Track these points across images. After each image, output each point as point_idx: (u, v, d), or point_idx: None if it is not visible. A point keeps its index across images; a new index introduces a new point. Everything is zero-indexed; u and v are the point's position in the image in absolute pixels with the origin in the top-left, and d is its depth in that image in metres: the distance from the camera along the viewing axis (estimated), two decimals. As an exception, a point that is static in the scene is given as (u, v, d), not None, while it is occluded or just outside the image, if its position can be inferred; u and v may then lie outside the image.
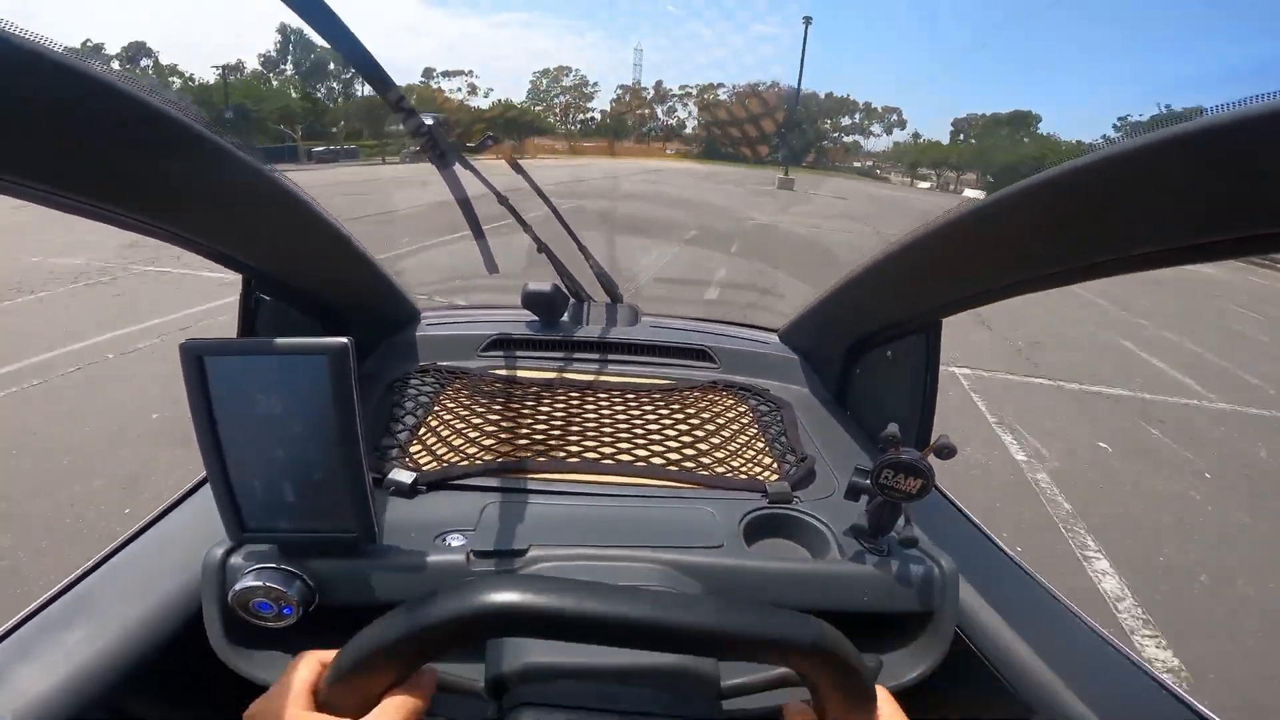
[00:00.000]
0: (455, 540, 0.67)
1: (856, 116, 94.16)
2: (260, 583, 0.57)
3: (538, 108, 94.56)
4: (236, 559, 0.60)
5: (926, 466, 0.63)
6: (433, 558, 0.63)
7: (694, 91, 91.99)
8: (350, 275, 1.03)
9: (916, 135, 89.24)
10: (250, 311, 0.93)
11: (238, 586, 0.57)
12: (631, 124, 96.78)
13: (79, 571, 0.66)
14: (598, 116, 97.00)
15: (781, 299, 6.21)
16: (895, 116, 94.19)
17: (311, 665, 0.43)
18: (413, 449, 0.85)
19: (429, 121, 0.95)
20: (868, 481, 0.66)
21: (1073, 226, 0.58)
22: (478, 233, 1.21)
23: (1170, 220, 0.50)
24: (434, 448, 0.85)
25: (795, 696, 0.50)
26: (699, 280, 7.23)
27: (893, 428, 0.64)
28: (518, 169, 1.26)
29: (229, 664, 0.60)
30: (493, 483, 0.79)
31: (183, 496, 0.78)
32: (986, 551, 0.83)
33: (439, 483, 0.78)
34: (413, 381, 1.04)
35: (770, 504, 0.79)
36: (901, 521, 0.67)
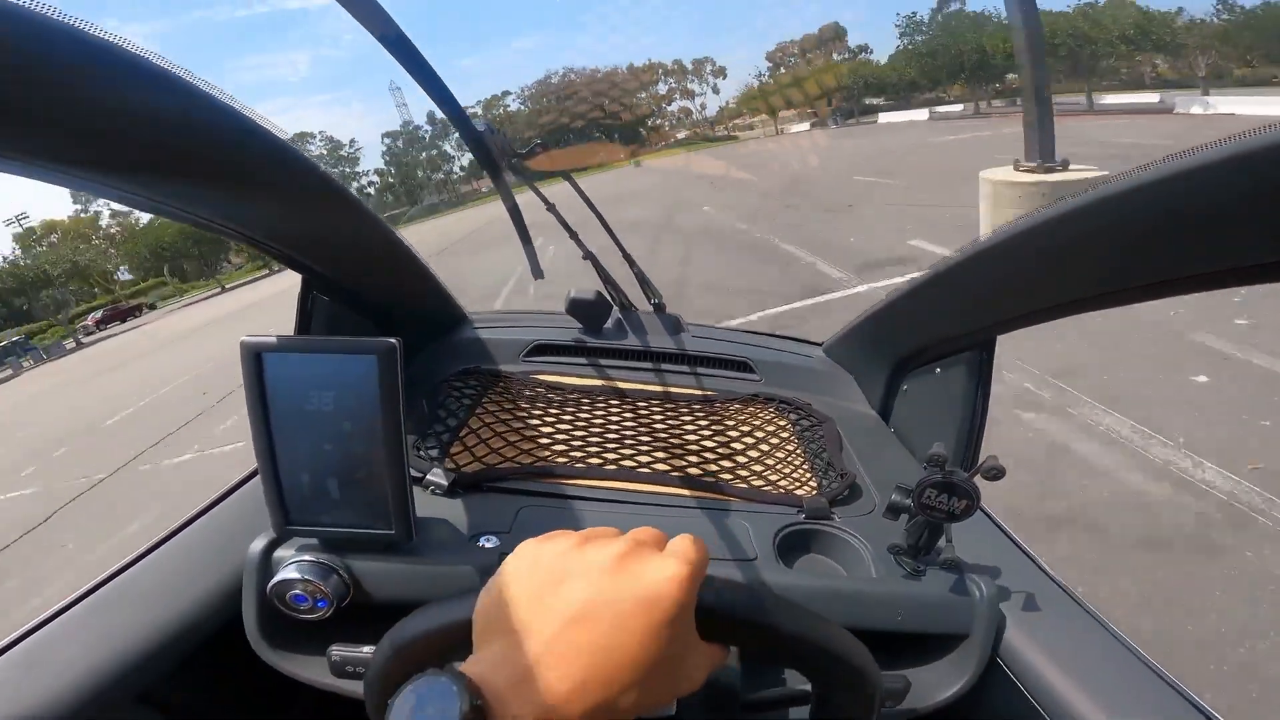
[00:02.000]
0: (489, 542, 0.67)
1: (670, 81, 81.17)
2: (299, 575, 0.58)
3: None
4: (280, 551, 0.62)
5: (973, 487, 0.60)
6: (467, 558, 0.64)
7: (479, 110, 72.36)
8: (403, 279, 1.06)
9: (760, 78, 75.29)
10: (307, 311, 0.97)
11: (277, 578, 0.59)
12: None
13: (127, 559, 0.69)
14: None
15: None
16: (711, 67, 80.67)
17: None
18: (453, 450, 0.87)
19: (481, 129, 0.98)
20: (909, 501, 0.64)
21: (1145, 242, 0.55)
22: (526, 239, 1.23)
23: (1248, 237, 0.47)
24: (474, 449, 0.87)
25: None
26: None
27: (939, 447, 0.62)
28: (567, 178, 1.28)
29: (261, 655, 0.62)
30: (529, 486, 0.80)
31: (229, 490, 0.82)
32: (1032, 576, 0.79)
33: (477, 484, 0.79)
34: (456, 384, 1.06)
35: (806, 519, 0.77)
36: (943, 542, 0.65)
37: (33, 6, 0.36)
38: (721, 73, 79.38)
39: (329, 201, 0.74)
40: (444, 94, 0.81)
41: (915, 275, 0.95)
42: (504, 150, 1.03)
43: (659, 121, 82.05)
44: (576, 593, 0.33)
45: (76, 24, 0.39)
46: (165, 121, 0.48)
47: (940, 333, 0.98)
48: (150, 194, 0.55)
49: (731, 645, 0.42)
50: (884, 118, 48.08)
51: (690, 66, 79.76)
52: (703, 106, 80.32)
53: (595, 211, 1.29)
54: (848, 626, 0.43)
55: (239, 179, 0.60)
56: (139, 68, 0.44)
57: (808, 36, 71.02)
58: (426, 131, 70.55)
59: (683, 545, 0.36)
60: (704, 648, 0.37)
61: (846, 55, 67.44)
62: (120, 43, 0.42)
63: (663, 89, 79.56)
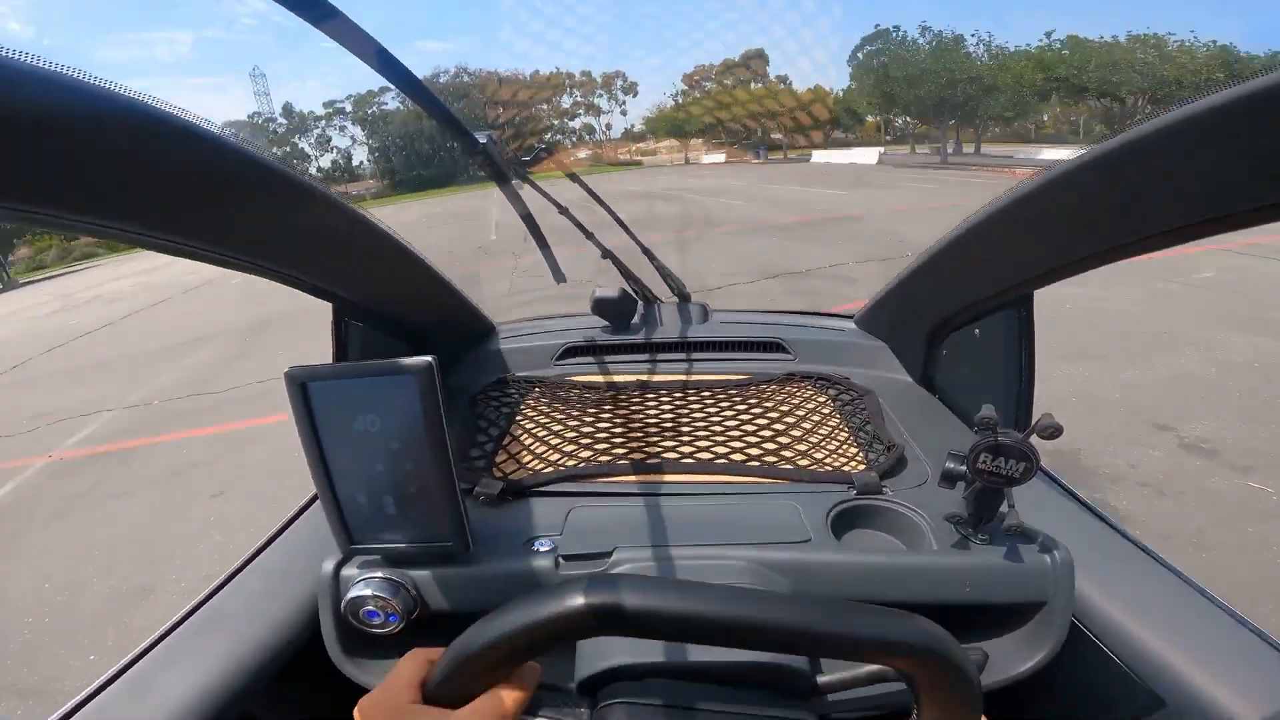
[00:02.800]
0: (543, 545, 0.68)
1: (575, 94, 70.13)
2: (369, 592, 0.61)
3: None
4: (347, 570, 0.64)
5: (1029, 448, 0.58)
6: (523, 563, 0.65)
7: (347, 108, 61.73)
8: (428, 297, 1.08)
9: (678, 100, 63.28)
10: (342, 338, 0.99)
11: (349, 596, 0.61)
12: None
13: (211, 586, 0.73)
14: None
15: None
16: (621, 82, 69.64)
17: (418, 661, 0.45)
18: (498, 459, 0.88)
19: (483, 140, 0.99)
20: (964, 467, 0.62)
21: (1174, 184, 0.53)
22: (543, 244, 1.24)
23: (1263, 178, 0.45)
24: (518, 456, 0.88)
25: (894, 690, 0.48)
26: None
27: (988, 409, 0.60)
28: (575, 179, 1.28)
29: (342, 669, 0.64)
30: (576, 487, 0.81)
31: (296, 514, 0.85)
32: (1102, 534, 0.77)
33: (525, 490, 0.80)
34: (493, 394, 1.08)
35: (859, 495, 0.76)
36: (1004, 508, 0.63)
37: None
38: (633, 89, 70.08)
39: (348, 228, 0.75)
40: (443, 110, 0.82)
41: (941, 238, 0.92)
42: (509, 160, 1.04)
43: (557, 138, 71.41)
44: None
45: (139, 97, 0.41)
46: (175, 166, 0.50)
47: (974, 294, 0.95)
48: (170, 237, 0.56)
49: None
50: (819, 155, 39.24)
51: (600, 80, 70.47)
52: (608, 126, 71.46)
53: (607, 209, 1.29)
54: (914, 602, 0.43)
55: (253, 216, 0.62)
56: (163, 121, 0.45)
57: (727, 60, 62.65)
58: (281, 125, 60.51)
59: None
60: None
61: (763, 83, 59.68)
62: (141, 98, 0.43)
63: (567, 102, 69.77)
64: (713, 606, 0.39)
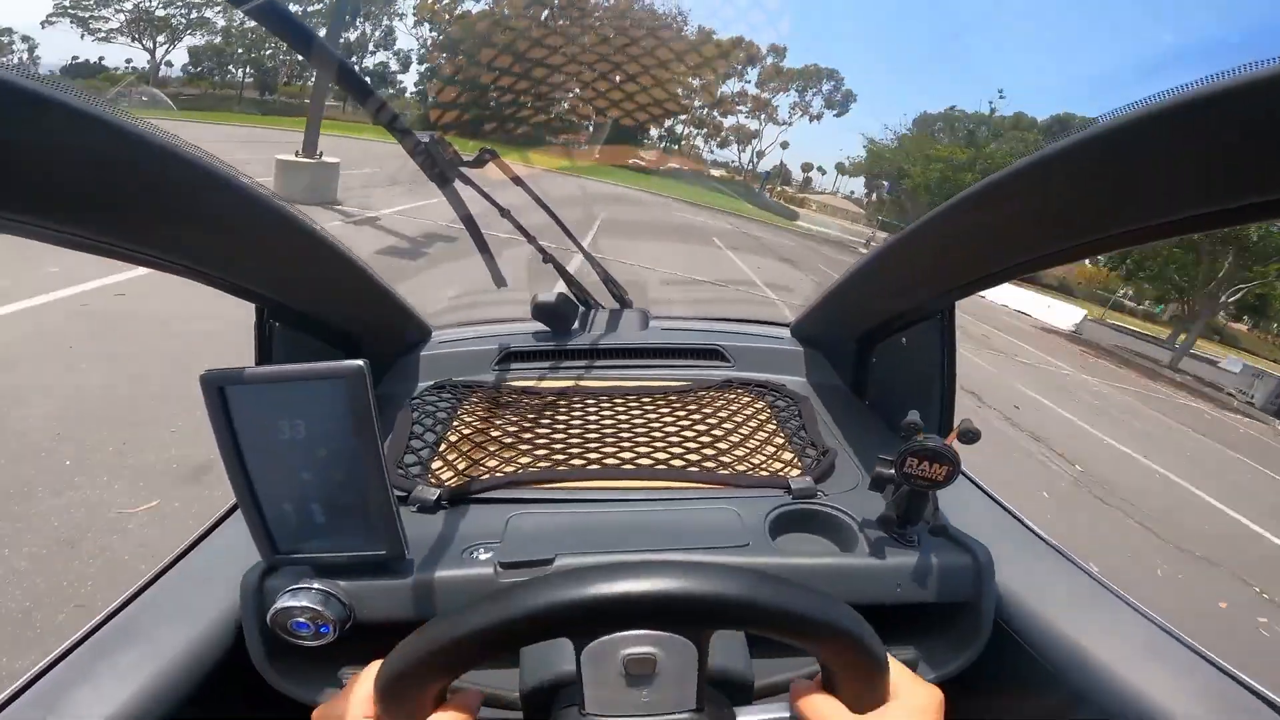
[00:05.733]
0: (483, 553, 0.67)
1: (754, 71, 46.97)
2: (297, 603, 0.58)
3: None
4: (272, 581, 0.61)
5: (951, 452, 0.62)
6: (462, 571, 0.64)
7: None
8: (359, 298, 1.04)
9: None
10: (266, 339, 0.94)
11: (275, 607, 0.58)
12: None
13: (123, 597, 0.67)
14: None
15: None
16: (834, 84, 47.49)
17: (374, 676, 0.44)
18: (434, 465, 0.85)
19: (425, 140, 0.96)
20: (892, 471, 0.65)
21: (1081, 201, 0.58)
22: (483, 248, 1.21)
23: (1188, 189, 0.50)
24: (455, 463, 0.86)
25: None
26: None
27: (914, 415, 0.64)
28: (519, 182, 1.26)
29: (272, 683, 0.61)
30: (516, 494, 0.79)
31: (217, 522, 0.80)
32: (1020, 536, 0.82)
33: (463, 497, 0.78)
34: (429, 399, 1.04)
35: (795, 500, 0.78)
36: (930, 509, 0.66)
37: None
38: (848, 99, 46.20)
39: (268, 221, 0.71)
40: (378, 100, 0.80)
41: (870, 251, 0.97)
42: (451, 160, 1.01)
43: (690, 132, 47.15)
44: None
45: None
46: (69, 153, 0.46)
47: (900, 303, 1.01)
48: (64, 227, 0.52)
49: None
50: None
51: (809, 71, 45.89)
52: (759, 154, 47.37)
53: (551, 214, 1.28)
54: (848, 602, 0.44)
55: (162, 208, 0.58)
56: (50, 102, 0.41)
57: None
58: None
59: None
60: None
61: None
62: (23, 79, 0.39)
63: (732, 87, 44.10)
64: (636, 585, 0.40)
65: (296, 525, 0.58)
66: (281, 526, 0.58)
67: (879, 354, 1.13)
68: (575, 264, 1.34)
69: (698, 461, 0.87)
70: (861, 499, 0.78)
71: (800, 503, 0.78)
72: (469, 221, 1.12)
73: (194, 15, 40.26)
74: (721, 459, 0.88)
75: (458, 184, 1.02)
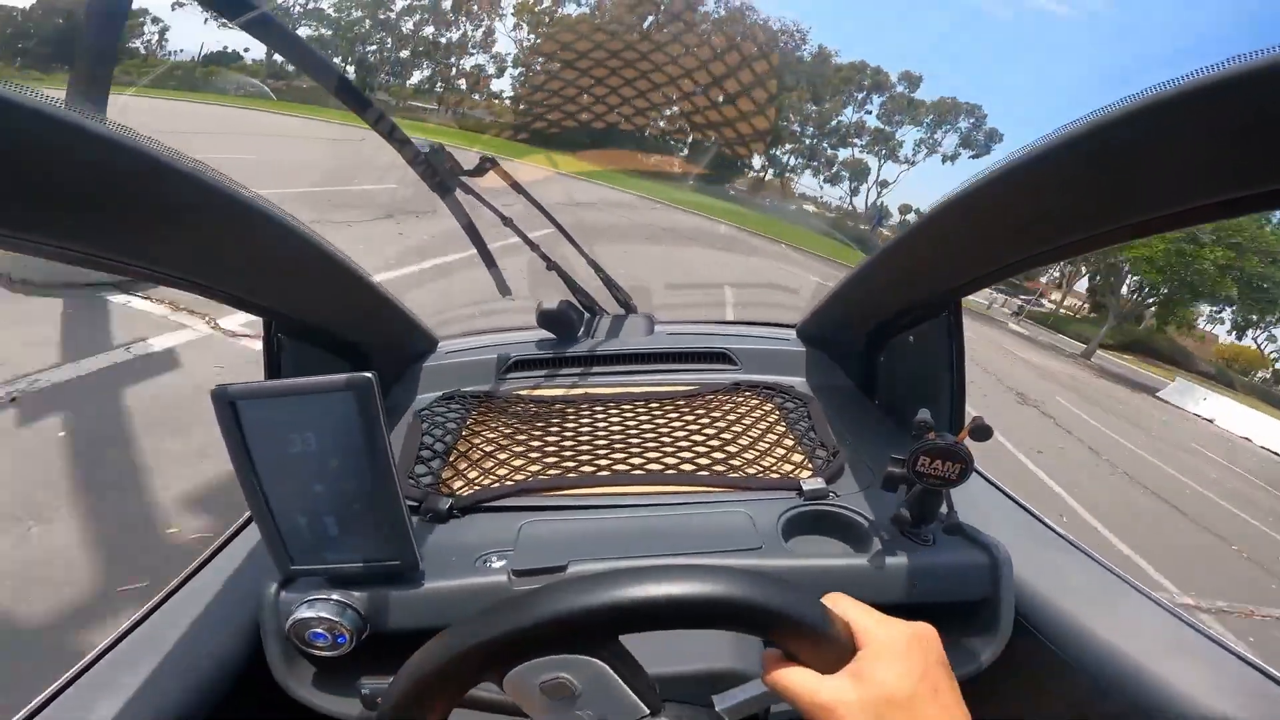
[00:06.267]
0: (496, 561, 0.67)
1: (875, 101, 41.52)
2: (314, 614, 0.58)
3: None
4: (289, 592, 0.61)
5: (963, 450, 0.62)
6: (476, 580, 0.64)
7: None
8: (366, 310, 1.04)
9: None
10: (274, 353, 0.95)
11: (293, 618, 0.58)
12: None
13: (142, 611, 0.67)
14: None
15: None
16: (974, 121, 40.71)
17: None
18: (446, 475, 0.86)
19: (425, 149, 0.96)
20: (904, 470, 0.65)
21: (1086, 192, 0.58)
22: (487, 258, 1.22)
23: (1185, 181, 0.50)
24: (466, 472, 0.86)
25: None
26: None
27: (924, 413, 0.63)
28: (519, 190, 1.27)
29: (292, 694, 0.62)
30: (527, 502, 0.79)
31: (232, 535, 0.80)
32: (1036, 532, 0.81)
33: (475, 506, 0.78)
34: (439, 409, 1.05)
35: (806, 501, 0.78)
36: (944, 508, 0.66)
37: None
38: (990, 140, 40.32)
39: (276, 237, 0.72)
40: (377, 111, 0.80)
41: (873, 252, 0.97)
42: (451, 169, 1.02)
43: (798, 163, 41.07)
44: None
45: None
46: (70, 169, 0.46)
47: (905, 301, 1.00)
48: (81, 248, 0.52)
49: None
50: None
51: (943, 106, 40.45)
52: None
53: (554, 221, 1.28)
54: (867, 603, 0.43)
55: (165, 223, 0.58)
56: (40, 115, 0.42)
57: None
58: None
59: None
60: None
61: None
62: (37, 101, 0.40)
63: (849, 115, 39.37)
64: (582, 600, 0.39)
65: (311, 537, 0.58)
66: (296, 539, 0.58)
67: (886, 353, 1.13)
68: (579, 271, 1.34)
69: (708, 465, 0.87)
70: (874, 499, 0.78)
71: (812, 504, 0.77)
72: (471, 230, 1.13)
73: (310, 4, 38.91)
74: (732, 462, 0.88)
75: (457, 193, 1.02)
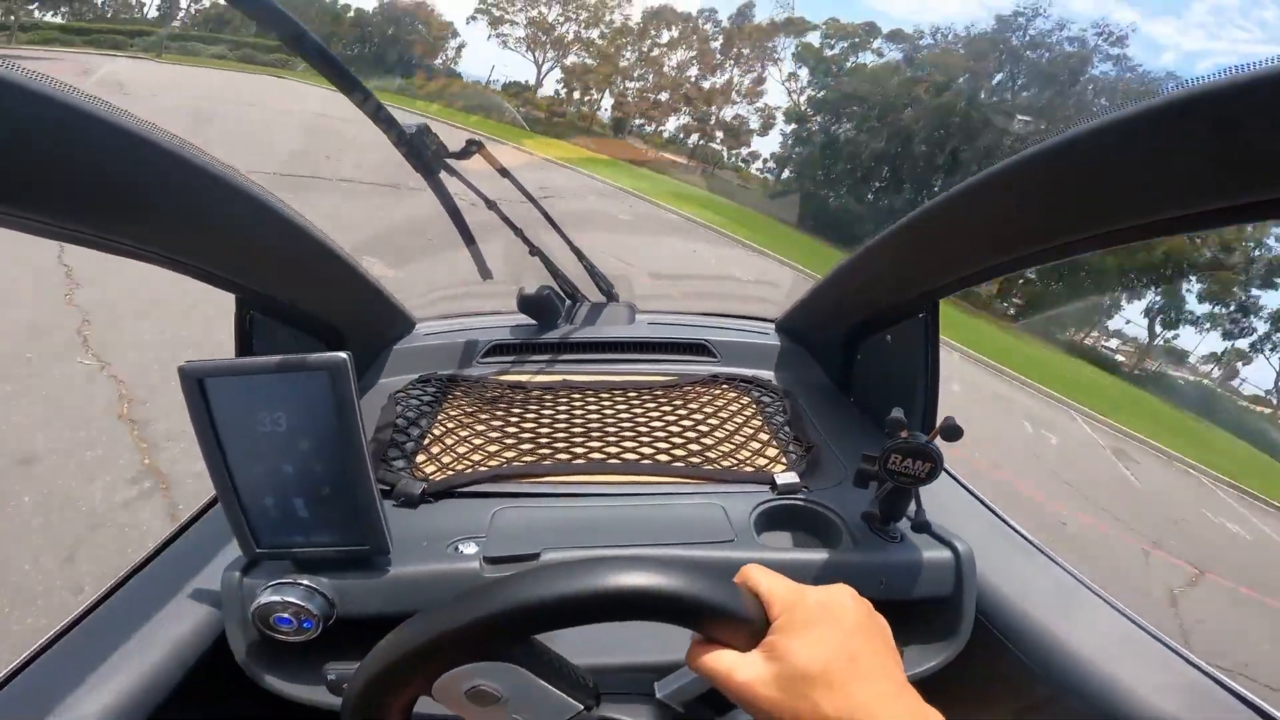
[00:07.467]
0: (468, 548, 0.66)
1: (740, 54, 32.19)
2: (279, 598, 0.57)
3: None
4: (254, 576, 0.60)
5: (934, 449, 0.63)
6: (446, 566, 0.63)
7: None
8: (342, 289, 1.02)
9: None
10: (246, 331, 0.92)
11: (258, 602, 0.57)
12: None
13: (102, 591, 0.66)
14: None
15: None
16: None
17: None
18: (419, 459, 0.85)
19: (411, 130, 0.94)
20: (875, 468, 0.66)
21: (1063, 201, 0.59)
22: (469, 240, 1.20)
23: (1160, 191, 0.51)
24: (439, 456, 0.85)
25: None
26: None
27: (897, 412, 0.64)
28: (505, 174, 1.25)
29: (255, 679, 0.61)
30: (501, 488, 0.79)
31: (195, 515, 0.78)
32: (1000, 532, 0.83)
33: (447, 491, 0.77)
34: (414, 392, 1.03)
35: (780, 495, 0.79)
36: (912, 506, 0.67)
37: None
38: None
39: (249, 211, 0.70)
40: (363, 91, 0.78)
41: (856, 250, 0.98)
42: (437, 151, 1.00)
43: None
44: None
45: None
46: (38, 137, 0.44)
47: (885, 300, 1.01)
48: (44, 218, 0.50)
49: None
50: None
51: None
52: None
53: (538, 206, 1.27)
54: None
55: (134, 196, 0.56)
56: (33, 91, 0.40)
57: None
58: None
59: None
60: None
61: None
62: None
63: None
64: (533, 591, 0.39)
65: (278, 519, 0.57)
66: (263, 520, 0.57)
67: (863, 351, 1.14)
68: (561, 257, 1.33)
69: (684, 457, 0.88)
70: (845, 495, 0.79)
71: (785, 498, 0.78)
72: (454, 213, 1.11)
73: (583, 32, 34.11)
74: (708, 454, 0.88)
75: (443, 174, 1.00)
